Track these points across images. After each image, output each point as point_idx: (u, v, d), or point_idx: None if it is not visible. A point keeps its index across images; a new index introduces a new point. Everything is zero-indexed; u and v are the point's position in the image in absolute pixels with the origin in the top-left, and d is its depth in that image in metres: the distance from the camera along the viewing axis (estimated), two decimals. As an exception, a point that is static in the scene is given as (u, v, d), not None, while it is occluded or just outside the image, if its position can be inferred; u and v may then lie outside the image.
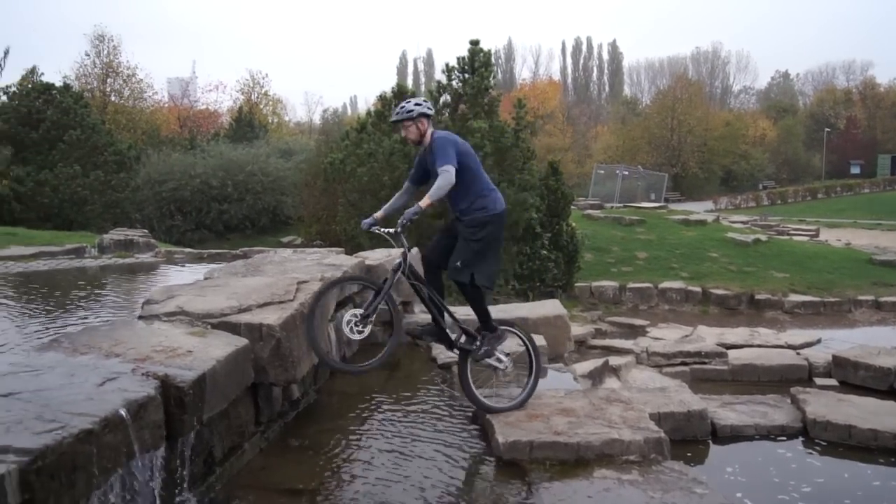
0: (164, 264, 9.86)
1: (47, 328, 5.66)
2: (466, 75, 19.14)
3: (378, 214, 5.66)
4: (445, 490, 4.52)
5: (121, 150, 26.06)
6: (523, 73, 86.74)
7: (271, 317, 5.06)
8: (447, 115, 19.32)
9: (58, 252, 9.63)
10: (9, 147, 21.79)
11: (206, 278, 6.51)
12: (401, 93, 19.96)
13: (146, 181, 27.17)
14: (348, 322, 5.10)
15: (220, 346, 4.55)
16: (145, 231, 12.37)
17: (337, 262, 7.30)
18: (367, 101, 72.75)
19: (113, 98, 39.27)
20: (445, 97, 19.69)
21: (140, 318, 4.75)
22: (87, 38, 45.47)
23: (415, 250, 6.43)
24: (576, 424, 5.16)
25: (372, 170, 18.20)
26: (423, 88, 60.01)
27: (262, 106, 54.70)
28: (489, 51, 19.67)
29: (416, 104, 5.51)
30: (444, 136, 5.47)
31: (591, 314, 20.62)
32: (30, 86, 26.45)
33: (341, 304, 6.94)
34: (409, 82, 72.57)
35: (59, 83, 26.97)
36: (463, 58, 19.26)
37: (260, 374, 4.93)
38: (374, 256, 8.15)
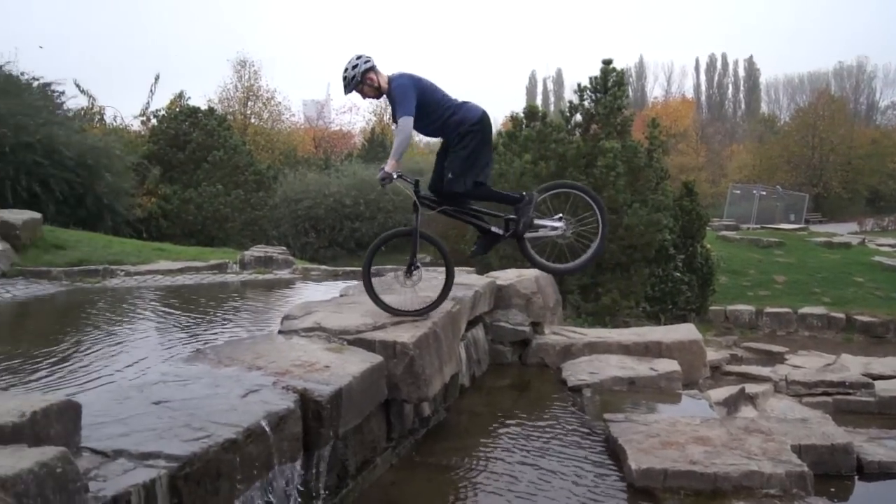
0: (301, 281, 10.17)
1: (193, 339, 5.93)
2: (598, 95, 18.94)
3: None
4: (576, 516, 4.45)
5: (260, 170, 27.12)
6: (655, 90, 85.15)
7: (405, 335, 5.13)
8: (578, 134, 19.17)
9: (202, 267, 10.07)
10: (158, 167, 23.00)
11: (341, 295, 6.67)
12: (532, 113, 19.94)
13: (283, 200, 28.17)
14: (395, 277, 5.55)
15: (356, 363, 4.65)
16: (284, 248, 12.77)
17: (468, 281, 7.35)
18: (495, 122, 72.93)
19: (253, 120, 40.90)
20: (577, 117, 19.54)
21: (280, 332, 4.91)
22: (230, 64, 47.77)
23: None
24: (712, 454, 4.97)
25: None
26: (552, 108, 59.77)
27: (393, 127, 55.72)
28: (622, 70, 19.40)
29: (354, 66, 5.49)
30: (400, 83, 5.51)
31: (725, 339, 19.93)
32: (177, 109, 27.88)
33: (472, 324, 6.98)
34: (539, 102, 72.49)
35: (204, 107, 28.39)
36: (595, 77, 19.08)
37: (393, 390, 5.00)
38: (506, 276, 8.15)
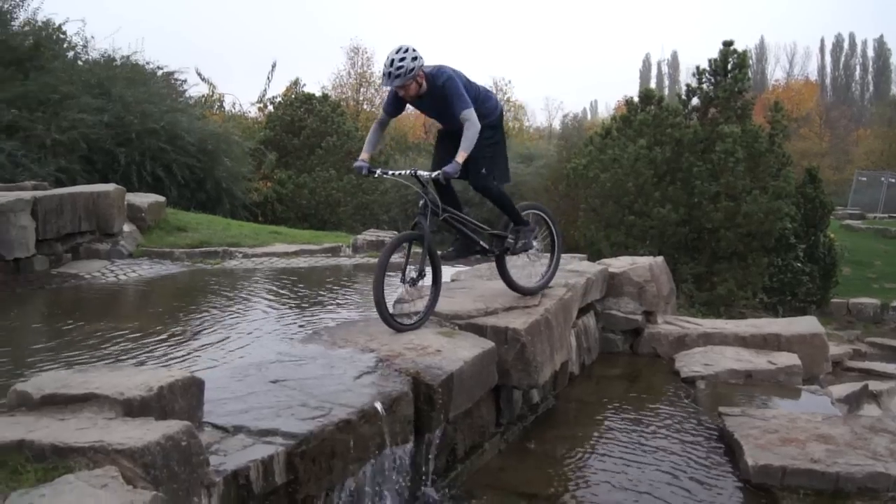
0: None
1: (308, 320, 6.06)
2: (718, 77, 18.39)
3: (365, 156, 5.35)
4: (688, 509, 4.35)
5: (372, 155, 27.53)
6: (776, 73, 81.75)
7: (517, 321, 5.12)
8: (696, 119, 18.68)
9: (316, 250, 10.27)
10: (274, 152, 23.58)
11: (452, 280, 6.70)
12: (647, 97, 19.55)
13: (393, 184, 28.51)
14: (402, 281, 5.06)
15: (468, 348, 4.67)
16: (395, 232, 12.92)
17: (580, 268, 7.26)
18: (607, 106, 71.62)
19: (365, 106, 41.45)
20: (694, 101, 19.03)
21: (392, 315, 4.96)
22: (344, 51, 48.54)
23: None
24: (835, 453, 4.76)
25: (615, 175, 17.96)
26: (667, 92, 58.23)
27: (504, 112, 55.59)
28: (744, 51, 18.75)
29: (414, 58, 4.96)
30: (450, 76, 5.16)
31: (847, 333, 19.10)
32: (293, 96, 28.48)
33: (583, 311, 6.91)
34: (653, 85, 70.72)
35: (318, 93, 28.93)
36: (714, 59, 18.52)
37: (503, 376, 5.00)
38: (618, 264, 8.02)
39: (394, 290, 5.34)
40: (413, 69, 4.94)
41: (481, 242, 5.60)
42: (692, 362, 6.84)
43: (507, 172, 5.73)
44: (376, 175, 5.22)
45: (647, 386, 6.67)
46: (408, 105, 5.48)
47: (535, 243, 5.97)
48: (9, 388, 3.09)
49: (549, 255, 6.19)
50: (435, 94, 5.16)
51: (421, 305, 5.16)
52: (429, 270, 5.10)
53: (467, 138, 5.00)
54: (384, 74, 5.02)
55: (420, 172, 5.09)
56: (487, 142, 5.36)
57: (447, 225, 5.45)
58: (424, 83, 5.12)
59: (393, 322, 4.85)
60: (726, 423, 5.25)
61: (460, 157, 4.95)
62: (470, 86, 5.34)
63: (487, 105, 5.47)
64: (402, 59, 4.91)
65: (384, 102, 5.61)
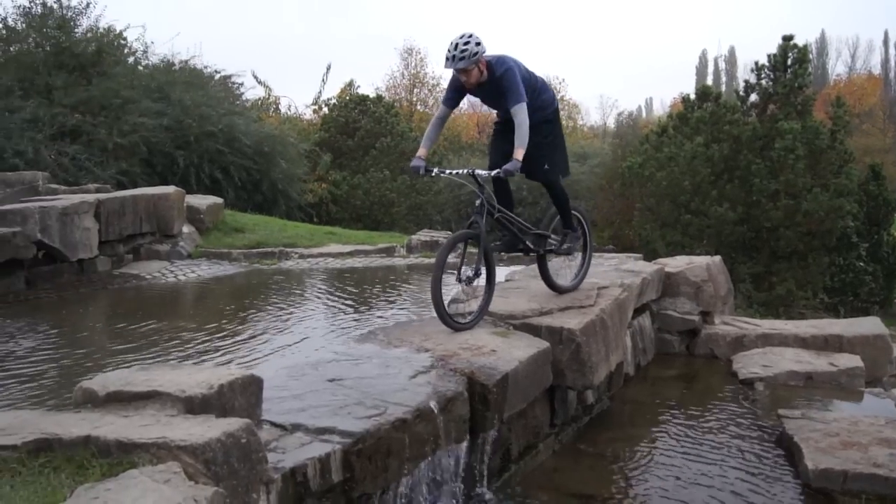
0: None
1: (363, 319, 6.11)
2: (777, 73, 18.05)
3: (423, 153, 5.29)
4: (746, 514, 4.28)
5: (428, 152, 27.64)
6: (837, 67, 79.80)
7: (572, 321, 5.09)
8: (754, 115, 18.36)
9: (371, 251, 10.36)
10: (328, 154, 23.80)
11: (507, 280, 6.70)
12: (704, 93, 19.28)
13: (447, 185, 28.55)
14: (458, 280, 5.06)
15: (522, 348, 4.66)
16: (449, 233, 12.95)
17: (636, 268, 7.20)
18: (662, 104, 70.76)
19: (419, 107, 41.58)
20: (753, 97, 18.71)
21: (450, 314, 4.97)
22: (397, 52, 48.79)
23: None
24: (900, 457, 4.65)
25: (672, 174, 17.75)
26: (724, 88, 57.28)
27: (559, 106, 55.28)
28: (804, 46, 18.38)
29: (478, 43, 5.00)
30: (510, 67, 5.14)
31: (912, 335, 18.60)
32: (347, 97, 28.72)
33: (639, 311, 6.86)
34: (710, 82, 69.56)
35: (372, 94, 29.12)
36: (773, 54, 18.18)
37: (558, 377, 4.98)
38: (675, 263, 7.92)
39: (449, 289, 5.34)
40: (476, 53, 4.99)
41: (527, 242, 5.61)
42: (750, 364, 6.72)
43: (566, 166, 5.80)
44: (433, 174, 5.21)
45: (703, 387, 6.58)
46: (466, 97, 5.53)
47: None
48: (75, 386, 3.17)
49: (580, 254, 6.22)
50: (494, 83, 5.18)
51: (475, 305, 5.17)
52: (483, 270, 5.10)
53: (520, 135, 5.01)
54: (447, 58, 5.06)
55: (478, 171, 5.11)
56: (546, 137, 5.40)
57: (498, 224, 5.44)
58: (485, 71, 5.15)
59: (450, 321, 4.86)
60: (786, 425, 5.15)
61: (518, 153, 4.96)
62: (529, 77, 5.36)
63: (544, 97, 5.49)
64: (465, 44, 4.98)
65: (443, 97, 5.63)
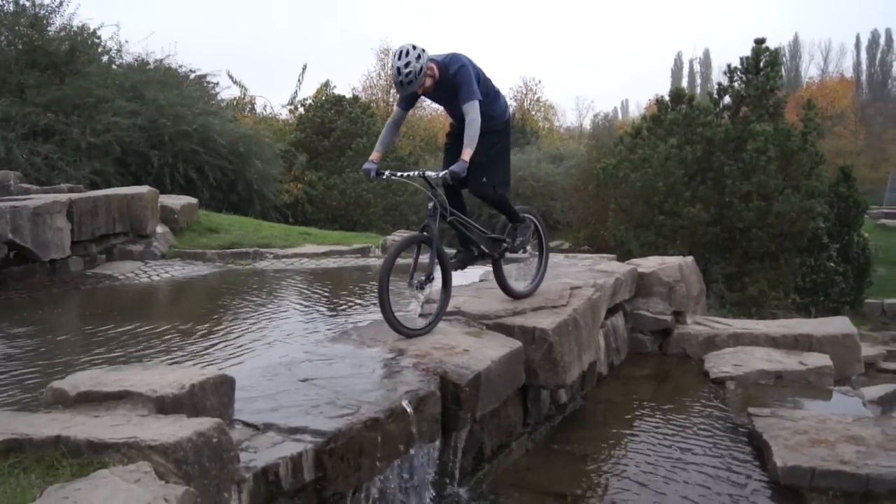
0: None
1: (337, 320, 6.11)
2: (750, 75, 18.25)
3: (376, 156, 5.14)
4: (715, 510, 4.33)
5: (401, 156, 27.53)
6: (810, 70, 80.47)
7: (545, 321, 5.13)
8: (727, 117, 18.54)
9: (346, 251, 10.34)
10: (304, 154, 23.75)
11: (481, 280, 6.73)
12: (678, 96, 19.47)
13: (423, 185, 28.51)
14: (410, 284, 4.90)
15: (495, 347, 4.69)
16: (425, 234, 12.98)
17: (609, 268, 7.26)
18: (638, 105, 71.16)
19: (395, 108, 41.50)
20: (726, 99, 18.89)
21: (420, 315, 4.99)
22: (374, 53, 48.75)
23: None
24: (865, 455, 4.71)
25: (646, 175, 17.90)
26: (699, 90, 57.71)
27: (533, 112, 55.46)
28: (776, 49, 18.60)
29: (418, 57, 4.78)
30: (464, 65, 4.96)
31: (882, 334, 18.85)
32: (324, 98, 28.66)
33: (612, 311, 6.90)
34: (685, 84, 70.05)
35: (348, 95, 29.08)
36: (746, 57, 18.41)
37: (531, 376, 5.01)
38: (648, 264, 7.99)
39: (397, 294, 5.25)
40: (421, 69, 4.80)
41: (482, 246, 5.45)
42: (722, 363, 6.80)
43: (507, 182, 5.53)
44: (384, 177, 5.07)
45: (676, 386, 6.65)
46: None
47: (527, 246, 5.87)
48: (46, 386, 3.16)
49: (537, 259, 6.13)
50: (447, 82, 5.00)
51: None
52: (436, 274, 4.98)
53: (469, 134, 4.85)
54: (396, 84, 4.93)
55: (428, 173, 4.96)
56: (490, 148, 5.20)
57: (451, 227, 5.32)
58: (437, 72, 4.97)
59: (399, 326, 4.69)
60: (755, 423, 5.22)
61: (465, 154, 4.82)
62: (484, 81, 5.18)
63: (495, 107, 5.31)
64: (407, 65, 4.77)
65: (397, 99, 5.48)
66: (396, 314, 4.69)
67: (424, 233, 4.92)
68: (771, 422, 5.20)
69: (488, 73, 5.27)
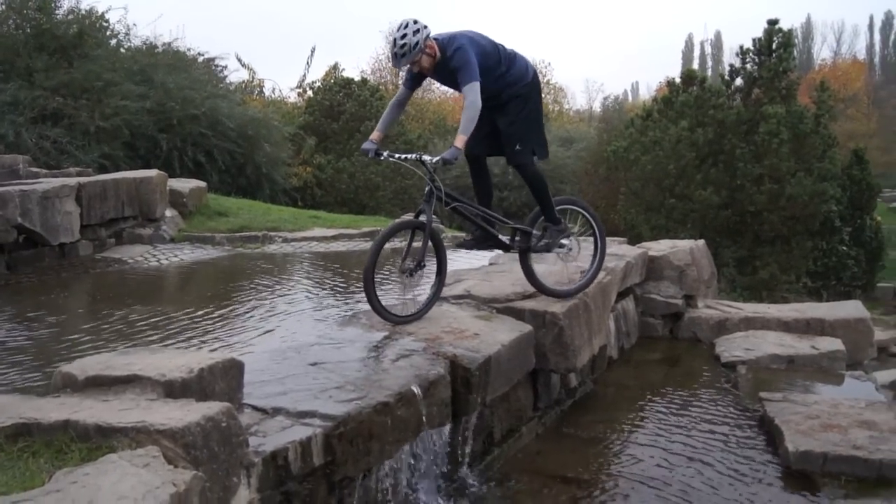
0: (452, 249, 10.24)
1: (346, 303, 6.09)
2: (762, 57, 18.09)
3: (377, 136, 5.06)
4: (725, 496, 4.30)
5: (411, 139, 27.45)
6: (823, 52, 79.82)
7: (555, 305, 5.11)
8: (739, 100, 18.40)
9: (355, 234, 10.31)
10: (313, 137, 23.66)
11: (491, 264, 6.71)
12: (689, 78, 19.31)
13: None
14: (400, 271, 4.77)
15: (505, 331, 4.67)
16: (435, 217, 12.94)
17: (619, 252, 7.21)
18: (649, 88, 70.75)
19: (404, 90, 41.36)
20: (738, 81, 18.74)
21: (384, 306, 4.90)
22: (382, 35, 48.57)
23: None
24: (878, 440, 4.68)
25: (657, 158, 17.81)
26: (710, 72, 57.26)
27: (544, 95, 55.15)
28: (789, 30, 18.41)
29: (416, 31, 4.65)
30: (461, 46, 4.76)
31: (894, 318, 18.74)
32: (332, 81, 28.52)
33: (622, 295, 6.87)
34: (696, 66, 69.51)
35: (357, 77, 28.95)
36: (759, 38, 18.23)
37: (541, 360, 4.99)
38: (658, 247, 7.95)
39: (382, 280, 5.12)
40: (417, 43, 4.65)
41: (499, 236, 5.23)
42: (733, 347, 6.77)
43: (544, 144, 5.28)
44: (383, 158, 4.98)
45: (686, 370, 6.62)
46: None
47: (566, 242, 5.47)
48: (55, 370, 3.15)
49: (591, 255, 5.67)
50: (446, 63, 4.85)
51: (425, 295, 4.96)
52: (432, 261, 4.85)
53: (465, 119, 4.66)
54: (391, 55, 4.82)
55: (425, 157, 4.82)
56: (518, 114, 5.05)
57: (456, 214, 5.15)
58: (438, 53, 4.82)
59: (385, 313, 4.59)
60: (767, 408, 5.19)
61: (459, 141, 4.64)
62: (494, 50, 5.01)
63: (513, 72, 5.07)
64: (403, 37, 4.64)
65: (402, 79, 5.35)
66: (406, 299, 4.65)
67: (419, 218, 4.80)
68: (782, 406, 5.17)
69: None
